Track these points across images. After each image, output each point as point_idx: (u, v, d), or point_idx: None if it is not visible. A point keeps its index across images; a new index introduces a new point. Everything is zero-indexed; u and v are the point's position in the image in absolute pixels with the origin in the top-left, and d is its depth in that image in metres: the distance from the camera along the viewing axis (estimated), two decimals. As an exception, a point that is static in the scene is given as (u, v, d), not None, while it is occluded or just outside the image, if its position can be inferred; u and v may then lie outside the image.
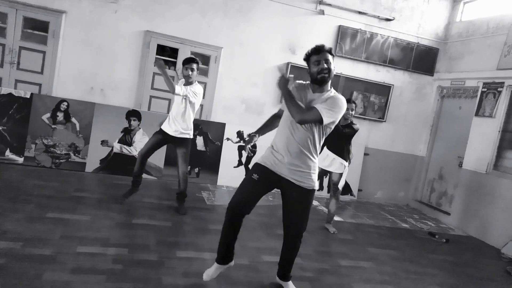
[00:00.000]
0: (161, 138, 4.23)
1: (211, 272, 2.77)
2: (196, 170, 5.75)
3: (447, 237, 5.10)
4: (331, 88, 2.72)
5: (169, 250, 3.28)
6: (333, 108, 2.56)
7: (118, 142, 5.41)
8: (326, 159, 4.46)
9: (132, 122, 5.44)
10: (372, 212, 5.87)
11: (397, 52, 6.60)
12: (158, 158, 5.48)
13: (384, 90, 6.65)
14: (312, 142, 2.65)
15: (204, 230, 3.90)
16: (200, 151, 5.74)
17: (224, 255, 2.76)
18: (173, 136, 4.17)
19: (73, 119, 5.25)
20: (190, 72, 4.09)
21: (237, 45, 5.86)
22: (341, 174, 4.49)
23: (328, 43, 6.26)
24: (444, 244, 4.87)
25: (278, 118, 2.86)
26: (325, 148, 4.48)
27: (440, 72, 6.73)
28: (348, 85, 6.45)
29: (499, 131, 5.45)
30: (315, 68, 2.60)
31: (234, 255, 2.82)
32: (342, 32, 6.27)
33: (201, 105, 5.87)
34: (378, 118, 6.69)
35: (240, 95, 5.99)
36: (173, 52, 5.72)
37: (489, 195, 5.35)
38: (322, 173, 4.56)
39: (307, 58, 2.68)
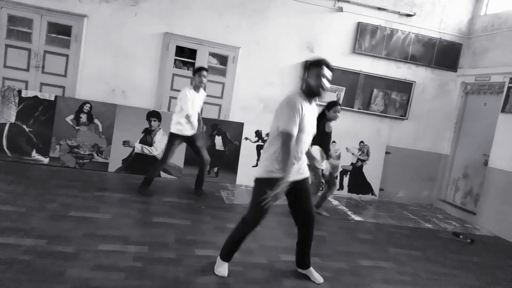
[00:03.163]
0: (180, 141, 4.69)
1: (225, 268, 2.96)
2: (215, 169, 5.79)
3: (472, 237, 4.94)
4: None
5: (188, 248, 3.32)
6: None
7: (139, 143, 5.51)
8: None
9: (153, 123, 5.53)
10: (394, 212, 5.76)
11: (418, 48, 6.46)
12: (178, 158, 5.55)
13: (405, 87, 6.52)
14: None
15: (222, 228, 3.92)
16: (218, 150, 5.78)
17: (231, 256, 3.01)
18: (189, 136, 4.68)
19: (96, 120, 5.39)
20: (203, 79, 4.59)
21: (254, 45, 5.87)
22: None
23: (347, 40, 6.20)
24: (469, 244, 4.73)
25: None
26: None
27: (464, 67, 6.54)
28: (368, 83, 6.36)
29: (527, 128, 5.25)
30: (319, 81, 2.72)
31: None
32: (361, 29, 6.18)
33: (219, 105, 5.92)
34: (400, 116, 6.56)
35: (258, 94, 6.00)
36: (192, 53, 5.78)
37: (516, 194, 5.16)
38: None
39: (309, 66, 2.79)
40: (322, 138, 4.56)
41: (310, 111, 2.78)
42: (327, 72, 2.73)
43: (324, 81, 2.72)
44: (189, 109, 4.49)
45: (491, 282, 3.66)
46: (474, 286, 3.50)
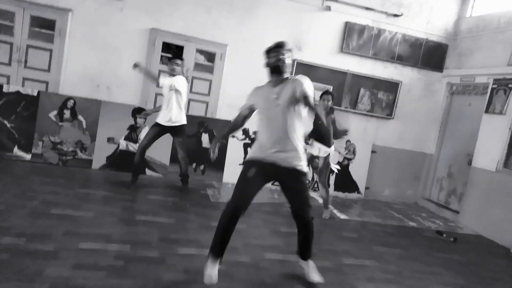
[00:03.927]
0: (158, 130, 4.71)
1: (213, 273, 2.72)
2: (202, 167, 5.75)
3: (455, 236, 5.01)
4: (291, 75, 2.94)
5: (171, 246, 3.28)
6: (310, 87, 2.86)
7: (124, 139, 5.44)
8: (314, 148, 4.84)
9: (138, 120, 5.46)
10: (379, 210, 5.80)
11: (405, 48, 6.50)
12: (163, 155, 5.50)
13: (392, 87, 6.56)
14: (294, 128, 2.83)
15: (207, 227, 3.89)
16: (205, 148, 5.74)
17: (222, 250, 2.80)
18: (167, 126, 4.68)
19: (80, 117, 5.30)
20: (174, 67, 4.65)
21: (242, 42, 5.84)
22: (324, 159, 4.81)
23: (335, 39, 6.21)
24: (452, 243, 4.79)
25: (246, 118, 3.12)
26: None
27: (450, 68, 6.61)
28: (355, 82, 6.38)
29: (510, 128, 5.32)
30: (272, 60, 2.83)
31: None
32: (349, 29, 6.20)
33: (207, 103, 5.87)
34: (386, 115, 6.60)
35: (246, 92, 5.86)
36: (179, 49, 5.72)
37: (499, 193, 5.24)
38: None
39: (265, 56, 2.90)
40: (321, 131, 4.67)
41: (273, 91, 2.83)
42: (282, 49, 2.80)
43: (281, 55, 2.78)
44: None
45: (474, 280, 3.71)
46: (457, 284, 3.54)
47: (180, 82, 4.62)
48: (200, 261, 3.08)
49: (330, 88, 6.23)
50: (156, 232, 3.53)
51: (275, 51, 2.81)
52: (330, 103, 4.77)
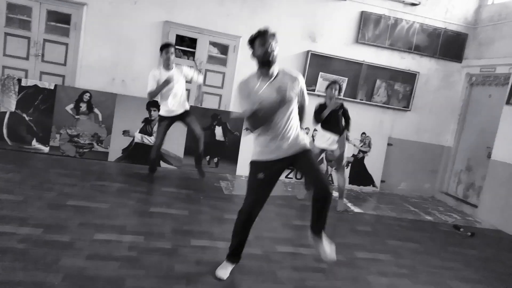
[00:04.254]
0: (167, 123, 4.67)
1: (226, 272, 2.81)
2: (215, 160, 5.77)
3: (473, 230, 4.90)
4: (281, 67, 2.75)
5: (184, 238, 3.31)
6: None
7: (139, 132, 5.50)
8: (327, 140, 4.81)
9: (153, 113, 5.51)
10: (394, 204, 5.72)
11: (423, 38, 6.34)
12: (178, 148, 5.54)
13: (409, 78, 6.42)
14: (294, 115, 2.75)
15: (220, 219, 3.92)
16: (219, 141, 5.75)
17: (239, 254, 2.86)
18: (177, 115, 4.65)
19: (96, 110, 5.37)
20: (170, 56, 4.51)
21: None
22: (339, 148, 4.83)
23: (350, 29, 6.10)
24: (469, 237, 4.69)
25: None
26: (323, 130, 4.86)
27: (469, 58, 6.42)
28: (371, 73, 6.27)
29: (531, 120, 5.16)
30: (260, 50, 2.61)
31: None
32: (364, 18, 6.07)
33: (220, 95, 5.87)
34: (403, 107, 6.48)
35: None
36: (192, 42, 5.72)
37: (519, 187, 5.09)
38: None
39: (250, 43, 2.71)
40: (334, 117, 4.76)
41: (267, 83, 2.62)
42: (269, 37, 2.62)
43: (269, 46, 2.59)
44: (148, 88, 4.48)
45: (490, 276, 3.63)
46: (472, 280, 3.47)
47: (176, 72, 4.59)
48: (212, 253, 3.12)
49: (345, 80, 6.15)
50: (169, 223, 3.57)
51: (261, 40, 2.62)
52: (336, 92, 4.76)
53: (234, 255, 2.86)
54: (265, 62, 2.62)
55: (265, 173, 2.70)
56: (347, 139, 4.99)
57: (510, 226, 5.12)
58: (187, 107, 4.73)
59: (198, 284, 2.64)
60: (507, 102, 5.50)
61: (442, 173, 6.63)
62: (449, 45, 6.45)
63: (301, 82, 2.76)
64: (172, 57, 4.53)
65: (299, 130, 2.79)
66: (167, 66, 4.54)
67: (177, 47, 5.61)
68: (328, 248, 2.78)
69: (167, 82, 4.42)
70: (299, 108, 2.81)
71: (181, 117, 4.69)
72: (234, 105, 5.88)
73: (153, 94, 4.50)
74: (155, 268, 2.74)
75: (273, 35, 2.68)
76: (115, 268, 2.67)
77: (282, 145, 2.68)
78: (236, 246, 2.84)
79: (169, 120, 4.66)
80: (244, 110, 2.58)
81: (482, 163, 5.91)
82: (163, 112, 4.65)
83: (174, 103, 4.59)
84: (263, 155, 2.71)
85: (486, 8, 6.30)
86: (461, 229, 4.86)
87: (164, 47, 4.53)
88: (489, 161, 5.68)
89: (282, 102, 2.59)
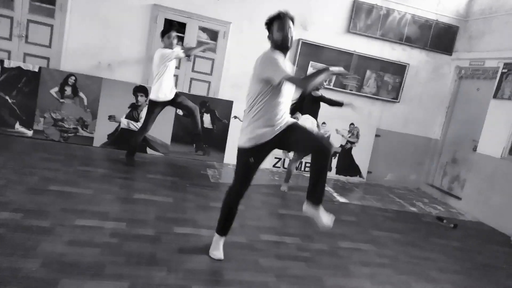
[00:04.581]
0: (160, 108, 4.66)
1: (220, 249, 2.91)
2: (204, 146, 5.73)
3: (456, 222, 4.98)
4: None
5: (167, 225, 3.29)
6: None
7: (125, 118, 5.42)
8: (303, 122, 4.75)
9: (139, 98, 5.42)
10: (380, 195, 5.77)
11: (414, 29, 6.32)
12: (165, 134, 5.48)
13: (399, 69, 6.42)
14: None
15: (204, 207, 3.90)
16: (207, 128, 5.70)
17: (227, 229, 2.95)
18: (169, 99, 4.66)
19: (81, 94, 5.27)
20: (173, 41, 4.56)
21: (246, 20, 5.71)
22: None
23: (342, 19, 6.05)
24: (452, 229, 4.76)
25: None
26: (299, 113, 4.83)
27: (459, 51, 6.43)
28: (362, 64, 6.25)
29: (517, 115, 5.21)
30: (281, 34, 2.63)
31: None
32: (356, 8, 6.02)
33: (209, 82, 5.80)
34: (392, 99, 6.49)
35: (249, 72, 5.80)
36: (181, 27, 5.61)
37: (503, 180, 5.16)
38: None
39: (269, 23, 2.70)
40: (311, 106, 4.76)
41: (286, 62, 2.69)
42: (288, 21, 2.65)
43: (289, 31, 2.64)
44: (177, 53, 4.50)
45: (469, 266, 3.69)
46: (452, 270, 3.53)
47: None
48: (195, 241, 3.11)
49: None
50: (153, 210, 3.54)
51: (280, 24, 2.63)
52: (325, 82, 4.93)
53: (223, 229, 2.92)
54: (284, 47, 2.65)
55: (255, 156, 2.73)
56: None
57: (492, 219, 5.21)
58: (175, 91, 4.76)
59: (179, 272, 2.63)
60: (494, 96, 5.53)
61: (428, 165, 6.70)
62: (440, 37, 6.44)
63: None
64: (175, 41, 4.56)
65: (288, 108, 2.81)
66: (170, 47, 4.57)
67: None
68: (325, 217, 2.67)
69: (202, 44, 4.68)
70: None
71: (172, 100, 4.70)
72: (223, 92, 5.83)
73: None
74: (136, 255, 2.72)
75: (292, 19, 2.68)
76: (96, 254, 2.64)
77: (279, 123, 2.68)
78: (225, 221, 2.91)
79: (162, 106, 4.67)
80: (287, 73, 2.53)
81: (468, 156, 5.98)
82: (156, 97, 4.58)
83: (170, 86, 4.61)
84: (256, 139, 2.66)
85: (477, 1, 6.29)
86: (444, 221, 4.93)
87: (167, 32, 4.53)
88: (474, 154, 5.74)
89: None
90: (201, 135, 5.03)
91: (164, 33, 4.56)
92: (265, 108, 2.65)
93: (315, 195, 2.64)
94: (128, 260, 2.65)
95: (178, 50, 4.55)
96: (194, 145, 5.03)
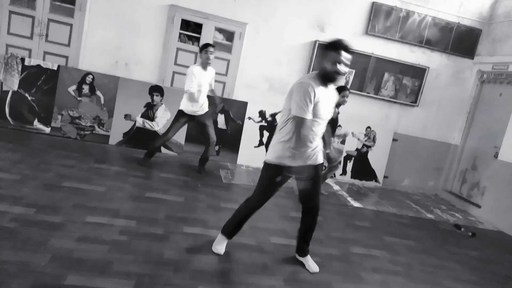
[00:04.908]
0: (186, 120, 4.68)
1: (222, 247, 2.96)
2: (216, 148, 5.72)
3: (474, 230, 4.81)
4: None
5: (177, 225, 3.28)
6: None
7: (141, 117, 5.47)
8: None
9: (155, 98, 5.46)
10: (396, 200, 5.64)
11: (435, 32, 6.17)
12: (179, 134, 5.48)
13: (418, 72, 6.27)
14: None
15: (215, 207, 3.88)
16: (221, 129, 5.70)
17: (235, 233, 3.00)
18: (196, 115, 4.67)
19: (98, 92, 5.34)
20: (210, 56, 4.50)
21: (262, 21, 5.68)
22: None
23: (360, 20, 5.96)
24: (470, 237, 4.60)
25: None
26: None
27: (482, 55, 6.24)
28: (380, 66, 6.13)
29: (542, 121, 5.01)
30: (335, 67, 2.55)
31: None
32: (375, 9, 5.92)
33: (224, 83, 5.80)
34: (410, 103, 6.34)
35: (264, 73, 5.85)
36: (197, 27, 5.64)
37: (525, 189, 4.97)
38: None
39: (326, 49, 2.61)
40: (329, 123, 4.58)
41: (325, 96, 2.63)
42: (345, 56, 2.54)
43: (341, 67, 2.55)
44: (192, 87, 4.43)
45: (486, 277, 3.55)
46: (468, 281, 3.40)
47: (214, 74, 4.75)
48: (204, 241, 3.09)
49: (353, 72, 6.02)
50: (163, 209, 3.54)
51: (345, 60, 2.54)
52: (347, 99, 4.63)
53: (230, 233, 2.97)
54: (330, 81, 2.63)
55: (283, 176, 2.74)
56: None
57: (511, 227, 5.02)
58: (206, 109, 4.73)
59: (186, 271, 2.62)
60: (518, 101, 5.34)
61: (447, 171, 6.51)
62: (461, 41, 6.27)
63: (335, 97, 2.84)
64: (212, 57, 4.51)
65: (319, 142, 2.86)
66: (205, 66, 4.54)
67: (181, 31, 5.55)
68: (312, 264, 3.00)
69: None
70: None
71: (200, 118, 4.69)
72: (238, 93, 5.81)
73: (192, 95, 4.48)
74: (144, 254, 2.72)
75: (350, 52, 2.58)
76: (104, 251, 2.66)
77: (314, 154, 2.78)
78: (235, 228, 2.96)
79: (188, 118, 4.65)
80: (306, 114, 2.55)
81: (489, 163, 5.78)
82: (185, 108, 4.59)
83: (200, 103, 4.60)
84: (292, 160, 2.65)
85: (502, 3, 6.09)
86: (462, 229, 4.77)
87: (205, 47, 4.48)
88: (495, 161, 5.55)
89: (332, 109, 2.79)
90: (208, 160, 4.95)
91: (203, 47, 4.50)
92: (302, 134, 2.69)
93: (306, 248, 3.04)
94: (136, 258, 2.65)
95: (192, 86, 4.44)
96: (198, 165, 4.96)
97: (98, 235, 2.86)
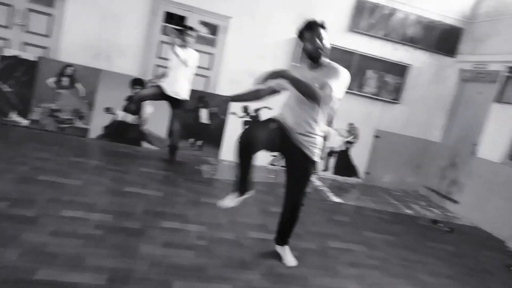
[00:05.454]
0: (161, 93, 4.69)
1: (230, 202, 2.82)
2: (199, 143, 5.69)
3: (452, 226, 4.90)
4: (327, 60, 2.71)
5: (155, 219, 3.25)
6: (341, 81, 2.59)
7: (122, 110, 5.39)
8: None
9: (137, 91, 5.38)
10: (376, 196, 5.70)
11: (418, 30, 6.23)
12: (161, 128, 5.45)
13: (401, 70, 6.33)
14: (318, 115, 2.68)
15: (195, 202, 3.86)
16: (203, 123, 5.66)
17: (244, 185, 2.77)
18: (170, 96, 4.69)
19: (78, 85, 5.25)
20: (188, 38, 4.61)
21: (247, 16, 5.65)
22: None
23: (344, 17, 5.98)
24: (447, 233, 4.69)
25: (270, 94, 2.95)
26: None
27: (463, 54, 6.33)
28: (363, 63, 6.16)
29: (519, 119, 5.11)
30: (310, 46, 2.61)
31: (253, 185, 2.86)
32: (359, 6, 5.94)
33: (207, 77, 5.76)
34: (392, 100, 6.40)
35: (248, 68, 5.82)
36: (181, 20, 5.57)
37: (501, 185, 5.07)
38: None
39: (301, 34, 2.67)
40: None
41: (312, 76, 2.61)
42: (318, 32, 2.59)
43: (319, 41, 2.58)
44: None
45: (461, 271, 3.62)
46: (443, 275, 3.46)
47: (193, 57, 4.65)
48: (182, 236, 3.08)
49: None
50: (141, 204, 3.51)
51: (310, 36, 2.59)
52: None
53: (238, 186, 2.78)
54: (313, 58, 2.65)
55: (276, 128, 2.69)
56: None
57: (488, 224, 5.12)
58: (178, 96, 4.69)
59: (162, 266, 2.60)
60: (496, 100, 5.44)
61: (427, 168, 6.61)
62: (444, 39, 6.34)
63: (342, 76, 2.58)
64: (190, 40, 4.62)
65: (319, 139, 2.75)
66: (183, 48, 4.60)
67: (165, 24, 5.48)
68: (290, 258, 3.01)
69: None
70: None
71: (170, 101, 4.75)
72: (221, 88, 5.78)
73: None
74: (119, 248, 2.69)
75: (322, 27, 2.62)
76: (78, 245, 2.61)
77: (299, 131, 2.69)
78: (239, 176, 2.74)
79: (161, 93, 4.68)
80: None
81: (467, 160, 5.89)
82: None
83: (167, 81, 4.68)
84: (287, 121, 2.73)
85: (484, 2, 6.18)
86: (440, 224, 4.85)
87: (183, 29, 4.68)
88: (474, 158, 5.65)
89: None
90: (176, 149, 4.96)
91: (179, 30, 4.69)
92: (284, 108, 2.78)
93: (285, 238, 3.04)
94: (111, 252, 2.62)
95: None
96: (168, 155, 4.99)
97: (73, 229, 2.81)
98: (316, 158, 2.77)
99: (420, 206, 5.65)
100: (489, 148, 5.38)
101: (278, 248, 3.07)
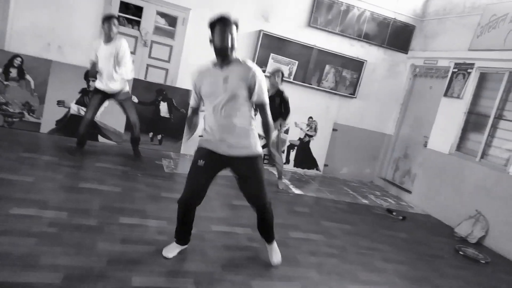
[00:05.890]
0: (101, 97, 4.46)
1: (173, 252, 2.79)
2: (159, 137, 5.58)
3: (405, 214, 5.16)
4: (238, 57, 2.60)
5: (112, 216, 3.16)
6: (265, 87, 2.59)
7: (76, 103, 5.17)
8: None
9: (91, 83, 5.18)
10: (334, 187, 5.88)
11: (373, 27, 6.45)
12: (118, 122, 5.28)
13: (357, 65, 6.53)
14: (242, 114, 2.58)
15: (155, 197, 3.79)
16: (164, 117, 5.56)
17: (183, 237, 2.84)
18: (109, 93, 4.46)
19: (28, 76, 4.96)
20: (113, 28, 4.30)
21: (207, 8, 5.56)
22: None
23: (303, 12, 6.06)
24: (401, 221, 4.93)
25: (197, 113, 2.81)
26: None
27: (415, 50, 6.64)
28: (321, 59, 6.29)
29: (464, 113, 5.45)
30: (220, 39, 2.47)
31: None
32: (318, 2, 6.05)
33: (166, 70, 5.64)
34: (349, 94, 6.60)
35: (208, 61, 5.75)
36: (138, 10, 5.41)
37: (450, 175, 5.40)
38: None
39: (210, 28, 2.50)
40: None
41: (219, 76, 2.52)
42: (231, 28, 2.48)
43: (227, 36, 2.45)
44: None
45: (413, 257, 3.83)
46: (397, 260, 3.64)
47: (124, 47, 4.32)
48: (141, 231, 3.02)
49: (296, 63, 6.13)
50: (98, 200, 3.40)
51: (221, 29, 2.43)
52: (280, 80, 4.90)
53: (179, 238, 2.83)
54: (221, 53, 2.50)
55: (205, 161, 2.62)
56: (281, 126, 5.04)
57: (439, 212, 5.44)
58: (114, 88, 4.43)
59: (120, 263, 2.54)
60: (445, 94, 5.76)
61: (382, 160, 6.90)
62: (397, 36, 6.61)
63: (258, 76, 2.50)
64: (115, 29, 4.30)
65: (251, 132, 2.62)
66: (107, 39, 4.32)
67: (121, 14, 5.30)
68: (274, 255, 2.96)
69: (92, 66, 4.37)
70: (258, 107, 2.62)
71: (115, 97, 4.53)
72: (181, 81, 5.69)
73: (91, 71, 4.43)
74: (75, 246, 2.59)
75: (235, 24, 2.52)
76: (31, 244, 2.49)
77: (221, 139, 2.57)
78: (179, 231, 2.81)
79: (102, 95, 4.46)
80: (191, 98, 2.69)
81: (419, 151, 6.21)
82: (97, 83, 4.44)
83: (100, 79, 4.43)
84: (205, 142, 2.65)
85: (433, 1, 6.50)
86: (394, 213, 5.09)
87: (107, 19, 4.28)
88: (425, 149, 5.96)
89: (223, 90, 2.49)
90: (138, 142, 4.83)
91: (104, 20, 4.30)
92: (206, 119, 2.67)
93: (267, 237, 2.97)
94: (66, 250, 2.52)
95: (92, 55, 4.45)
96: (132, 149, 4.89)
97: (25, 227, 2.68)
98: (258, 148, 2.66)
99: (375, 196, 5.89)
100: (439, 140, 5.70)
101: (267, 247, 2.99)
